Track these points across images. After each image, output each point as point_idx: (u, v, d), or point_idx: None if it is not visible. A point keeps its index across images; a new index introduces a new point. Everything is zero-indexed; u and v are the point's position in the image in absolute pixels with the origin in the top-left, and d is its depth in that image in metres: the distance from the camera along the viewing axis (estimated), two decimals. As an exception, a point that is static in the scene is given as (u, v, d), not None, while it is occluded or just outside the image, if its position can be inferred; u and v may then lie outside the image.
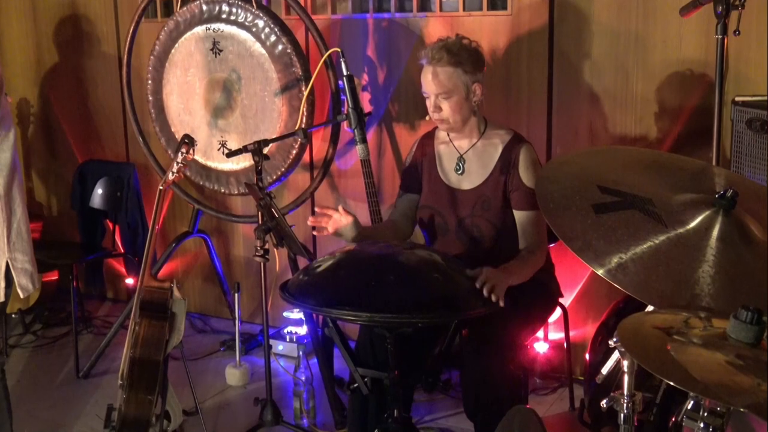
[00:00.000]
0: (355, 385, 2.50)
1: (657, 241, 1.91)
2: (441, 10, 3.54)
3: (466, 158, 2.75)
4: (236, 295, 3.57)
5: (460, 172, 2.75)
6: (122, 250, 4.35)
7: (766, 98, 2.73)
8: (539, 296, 2.79)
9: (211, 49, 3.52)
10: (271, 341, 3.54)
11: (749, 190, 2.14)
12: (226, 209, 4.09)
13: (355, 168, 3.77)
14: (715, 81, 2.62)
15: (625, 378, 1.68)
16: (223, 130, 3.59)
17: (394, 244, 2.49)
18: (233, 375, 3.64)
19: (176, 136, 3.68)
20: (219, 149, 3.61)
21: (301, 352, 3.32)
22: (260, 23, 3.35)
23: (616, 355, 1.85)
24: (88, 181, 4.34)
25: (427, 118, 2.71)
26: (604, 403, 1.72)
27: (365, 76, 3.72)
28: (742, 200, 1.97)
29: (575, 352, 3.40)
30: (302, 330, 3.80)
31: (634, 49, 3.21)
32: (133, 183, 4.25)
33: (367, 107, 3.64)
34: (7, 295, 2.53)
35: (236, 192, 3.69)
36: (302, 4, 3.64)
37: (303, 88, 3.31)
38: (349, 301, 2.14)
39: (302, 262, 3.29)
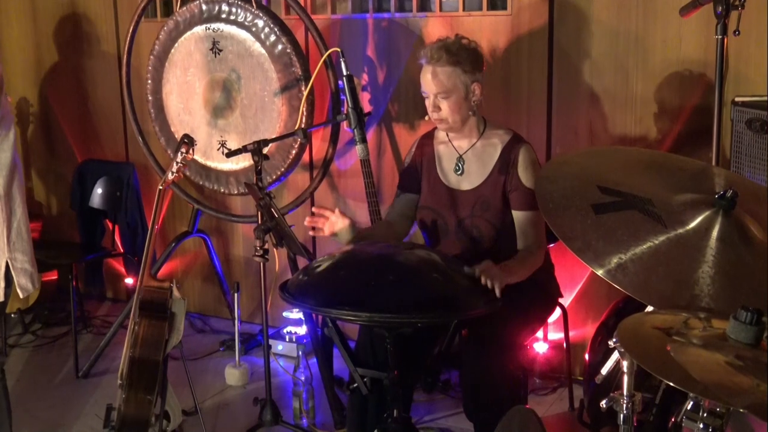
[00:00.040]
0: (355, 385, 2.50)
1: (657, 242, 1.91)
2: (441, 10, 3.54)
3: (465, 158, 2.75)
4: (236, 295, 3.56)
5: (459, 172, 2.75)
6: (122, 250, 4.35)
7: (765, 98, 2.73)
8: (539, 296, 2.79)
9: (211, 49, 3.52)
10: (271, 341, 3.54)
11: (749, 191, 2.14)
12: (225, 209, 4.09)
13: (354, 168, 3.77)
14: (714, 81, 2.62)
15: (625, 378, 1.68)
16: (223, 130, 3.59)
17: (393, 245, 2.49)
18: (233, 375, 3.64)
19: (176, 136, 3.68)
20: (218, 149, 3.61)
21: (300, 352, 3.32)
22: (260, 23, 3.35)
23: (615, 355, 1.85)
24: (87, 181, 4.34)
25: (427, 118, 2.71)
26: (603, 403, 1.72)
27: (365, 76, 3.71)
28: (741, 201, 1.97)
29: (575, 353, 3.40)
30: (302, 330, 3.80)
31: (634, 49, 3.21)
32: (133, 183, 4.25)
33: (366, 107, 3.63)
34: (6, 294, 2.53)
35: (236, 192, 3.69)
36: (302, 4, 3.64)
37: (303, 88, 3.31)
38: (348, 301, 2.14)
39: (302, 262, 3.29)
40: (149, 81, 3.75)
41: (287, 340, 3.81)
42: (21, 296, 2.58)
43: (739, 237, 1.93)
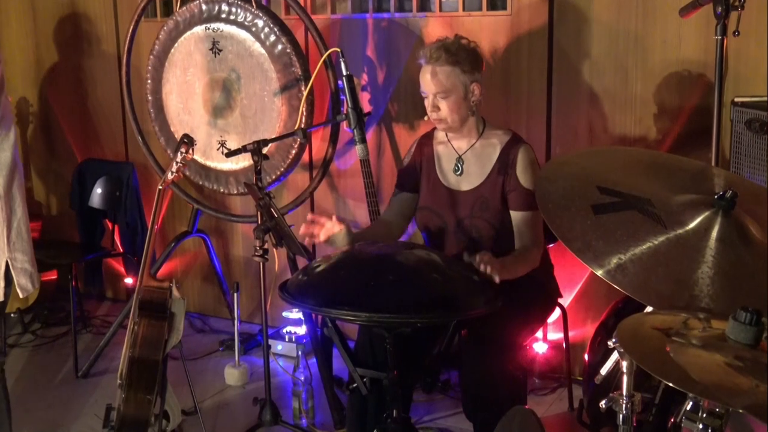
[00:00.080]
0: (354, 385, 2.50)
1: (656, 242, 1.91)
2: (441, 10, 3.54)
3: (464, 159, 2.75)
4: (235, 294, 3.56)
5: (458, 173, 2.75)
6: (121, 250, 4.35)
7: (765, 99, 2.73)
8: (538, 296, 2.79)
9: (211, 49, 3.52)
10: (270, 341, 3.54)
11: (748, 191, 2.14)
12: (225, 209, 4.09)
13: (354, 168, 3.77)
14: (714, 81, 2.62)
15: (624, 378, 1.67)
16: (223, 130, 3.59)
17: (393, 244, 2.48)
18: (232, 375, 3.64)
19: (175, 136, 3.68)
20: (218, 149, 3.61)
21: (300, 352, 3.32)
22: (260, 23, 3.35)
23: (615, 355, 1.86)
24: (87, 181, 4.34)
25: (426, 118, 2.71)
26: (603, 403, 1.72)
27: (365, 76, 3.72)
28: (741, 201, 1.97)
29: (574, 353, 3.40)
30: (301, 330, 3.80)
31: (633, 49, 3.21)
32: (133, 182, 4.25)
33: (366, 107, 3.64)
34: (6, 294, 2.53)
35: (235, 192, 3.69)
36: (302, 4, 3.64)
37: (302, 88, 3.31)
38: (348, 301, 2.14)
39: (301, 261, 3.29)
40: (149, 81, 3.75)
41: (287, 340, 3.81)
42: (21, 296, 2.57)
43: (739, 237, 1.93)
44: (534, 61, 3.39)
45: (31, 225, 2.62)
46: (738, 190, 1.97)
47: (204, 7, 3.48)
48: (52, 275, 4.45)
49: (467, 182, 2.74)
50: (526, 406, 2.27)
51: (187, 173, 3.70)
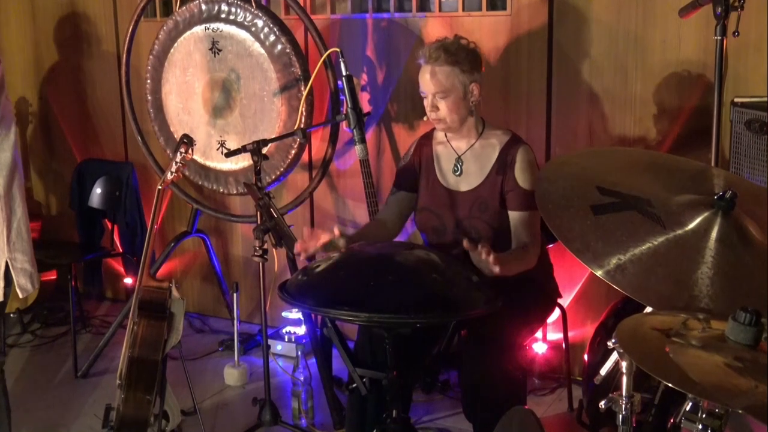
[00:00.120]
0: (354, 385, 2.50)
1: (656, 243, 1.91)
2: (440, 10, 3.54)
3: (464, 159, 2.75)
4: (235, 295, 3.56)
5: (458, 173, 2.75)
6: (121, 250, 4.35)
7: (765, 99, 2.73)
8: (538, 297, 2.79)
9: (210, 49, 3.52)
10: (270, 341, 3.54)
11: (748, 192, 2.14)
12: (224, 209, 4.09)
13: (354, 168, 3.77)
14: (714, 82, 2.62)
15: (624, 379, 1.67)
16: (222, 130, 3.59)
17: (393, 245, 2.48)
18: (232, 375, 3.64)
19: (175, 136, 3.68)
20: (218, 149, 3.61)
21: (299, 352, 3.32)
22: (259, 23, 3.35)
23: (614, 356, 1.86)
24: (86, 181, 4.34)
25: (425, 118, 2.71)
26: (602, 404, 1.72)
27: (364, 76, 3.71)
28: (741, 201, 1.97)
29: (574, 353, 3.40)
30: (301, 330, 3.80)
31: (633, 49, 3.21)
32: (132, 182, 4.25)
33: (366, 107, 3.64)
34: (6, 294, 2.53)
35: (235, 192, 3.69)
36: (301, 3, 3.64)
37: (302, 88, 3.31)
38: (347, 302, 2.14)
39: (301, 262, 3.29)
40: (148, 81, 3.75)
41: (286, 340, 3.81)
42: (20, 296, 2.57)
43: (738, 238, 1.93)
44: (534, 62, 3.39)
45: (31, 225, 2.62)
46: (738, 190, 1.97)
47: (203, 7, 3.47)
48: (52, 275, 4.45)
49: (466, 183, 2.74)
50: (526, 407, 2.28)
51: (187, 173, 3.70)
